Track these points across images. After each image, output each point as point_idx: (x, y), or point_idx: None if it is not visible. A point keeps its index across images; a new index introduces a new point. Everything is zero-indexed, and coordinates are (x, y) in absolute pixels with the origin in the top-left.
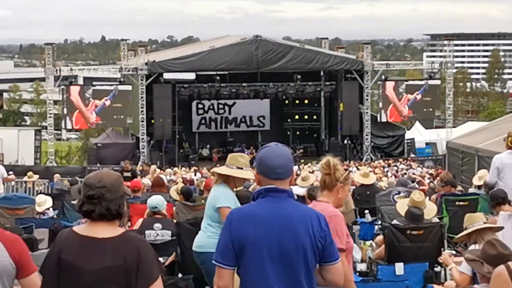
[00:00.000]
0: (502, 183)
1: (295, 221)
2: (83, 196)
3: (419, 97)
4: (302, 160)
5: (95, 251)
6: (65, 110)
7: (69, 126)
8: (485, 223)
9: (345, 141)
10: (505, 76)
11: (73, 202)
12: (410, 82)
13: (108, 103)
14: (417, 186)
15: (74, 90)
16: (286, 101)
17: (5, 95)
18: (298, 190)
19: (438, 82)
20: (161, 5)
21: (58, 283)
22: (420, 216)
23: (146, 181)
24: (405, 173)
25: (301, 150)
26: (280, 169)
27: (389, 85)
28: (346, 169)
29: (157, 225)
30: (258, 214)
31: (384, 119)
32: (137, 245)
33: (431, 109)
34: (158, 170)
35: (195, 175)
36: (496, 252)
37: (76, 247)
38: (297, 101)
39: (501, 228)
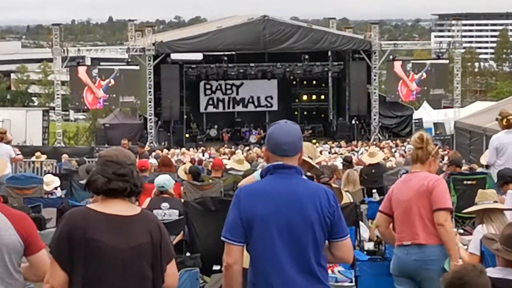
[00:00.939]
0: (500, 162)
1: (303, 197)
2: (111, 173)
3: (424, 75)
4: (314, 141)
5: (125, 229)
6: (73, 90)
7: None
8: (495, 202)
9: (353, 121)
10: None
11: (81, 182)
12: (416, 61)
13: (112, 82)
14: None
15: (82, 69)
16: (294, 82)
17: (12, 75)
18: None
19: (445, 61)
20: None
21: (84, 262)
22: None
23: (154, 161)
24: None
25: (310, 131)
26: (286, 145)
27: (397, 64)
28: (353, 150)
29: (165, 205)
30: (267, 190)
31: (393, 97)
32: (157, 223)
33: (437, 89)
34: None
35: (203, 155)
36: None
37: (104, 225)
38: (304, 81)
39: (511, 209)
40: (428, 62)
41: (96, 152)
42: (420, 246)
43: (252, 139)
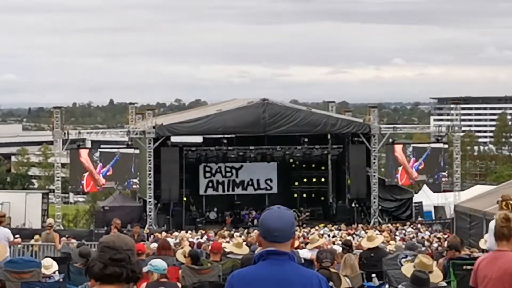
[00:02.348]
0: None
1: (296, 284)
2: (107, 259)
3: (421, 166)
4: (319, 225)
5: None
6: (73, 172)
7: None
8: None
9: (353, 204)
10: None
11: (75, 265)
12: (416, 145)
13: (110, 172)
14: (425, 250)
15: (84, 152)
16: (293, 164)
17: (13, 158)
18: (306, 253)
19: (443, 145)
20: (171, 69)
21: None
22: (426, 280)
23: (154, 245)
24: (413, 237)
25: (307, 213)
26: (277, 231)
27: (398, 147)
28: (353, 233)
29: None
30: (258, 277)
31: (394, 182)
32: None
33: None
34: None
35: (202, 238)
36: None
37: None
38: (304, 164)
39: None
40: (429, 146)
41: (95, 235)
42: None
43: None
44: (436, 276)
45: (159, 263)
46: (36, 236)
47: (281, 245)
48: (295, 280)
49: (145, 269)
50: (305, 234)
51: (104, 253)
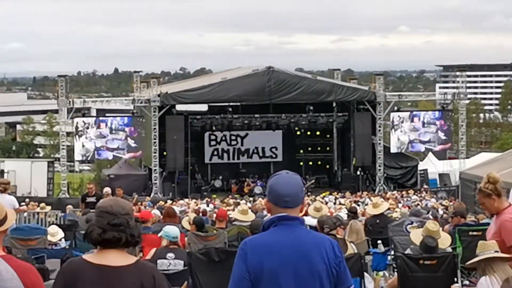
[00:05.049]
0: None
1: (309, 248)
2: (105, 224)
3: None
4: (325, 193)
5: (114, 279)
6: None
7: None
8: (496, 251)
9: (358, 172)
10: None
11: (81, 232)
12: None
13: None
14: (430, 217)
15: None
16: (299, 132)
17: (18, 127)
18: (311, 220)
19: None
20: (176, 37)
21: None
22: (435, 246)
23: (157, 212)
24: (418, 204)
25: (313, 181)
26: (289, 197)
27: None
28: (358, 201)
29: (170, 255)
30: (272, 243)
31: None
32: (153, 273)
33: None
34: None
35: (208, 206)
36: None
37: (92, 276)
38: (309, 132)
39: None
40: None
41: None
42: None
43: (257, 190)
44: (445, 240)
45: (172, 230)
46: (42, 204)
47: (291, 210)
48: (308, 244)
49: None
50: (310, 202)
51: (102, 218)
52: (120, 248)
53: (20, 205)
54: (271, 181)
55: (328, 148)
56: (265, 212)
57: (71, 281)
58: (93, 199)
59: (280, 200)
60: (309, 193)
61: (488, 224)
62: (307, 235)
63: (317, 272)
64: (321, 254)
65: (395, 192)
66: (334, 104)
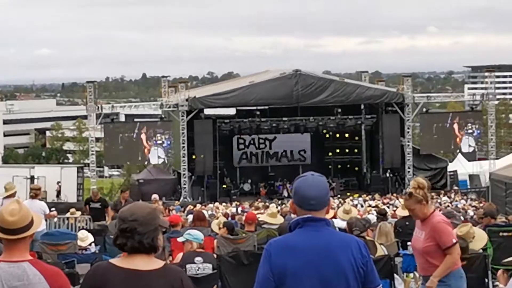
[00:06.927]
0: None
1: (335, 248)
2: (117, 229)
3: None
4: (348, 193)
5: (141, 283)
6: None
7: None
8: None
9: (387, 174)
10: None
11: (111, 236)
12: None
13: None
14: (461, 218)
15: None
16: (327, 135)
17: (47, 133)
18: (340, 223)
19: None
20: (204, 41)
21: None
22: (465, 247)
23: (190, 217)
24: (448, 206)
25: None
26: (314, 200)
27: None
28: (387, 203)
29: (198, 259)
30: (297, 244)
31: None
32: (180, 276)
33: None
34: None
35: (237, 210)
36: None
37: (120, 280)
38: (337, 135)
39: None
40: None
41: None
42: None
43: (286, 193)
44: (479, 241)
45: (196, 233)
46: (72, 210)
47: (317, 212)
48: (334, 245)
49: (181, 239)
50: (340, 205)
51: (118, 224)
52: (143, 253)
53: (50, 211)
54: (296, 183)
55: (356, 151)
56: (293, 215)
57: (98, 284)
58: (97, 205)
59: (305, 202)
60: (338, 196)
61: None
62: (332, 236)
63: (343, 272)
64: (347, 254)
65: None
66: (362, 106)
